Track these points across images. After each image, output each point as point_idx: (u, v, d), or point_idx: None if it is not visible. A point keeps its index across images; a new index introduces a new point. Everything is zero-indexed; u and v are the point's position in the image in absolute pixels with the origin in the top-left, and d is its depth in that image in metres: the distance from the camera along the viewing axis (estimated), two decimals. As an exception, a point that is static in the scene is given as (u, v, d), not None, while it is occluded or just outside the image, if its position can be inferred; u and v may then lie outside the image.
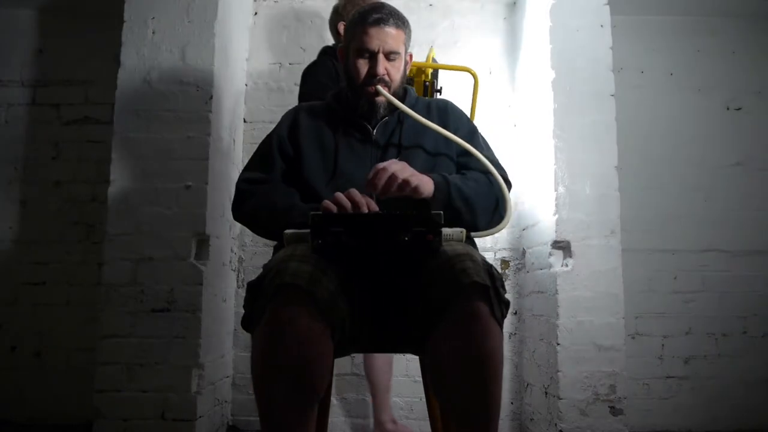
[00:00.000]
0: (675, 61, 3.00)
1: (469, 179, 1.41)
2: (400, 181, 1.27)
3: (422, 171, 1.44)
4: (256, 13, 3.01)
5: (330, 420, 1.45)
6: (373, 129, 1.50)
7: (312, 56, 2.96)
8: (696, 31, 3.01)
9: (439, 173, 1.39)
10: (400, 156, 1.47)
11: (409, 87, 1.61)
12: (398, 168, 1.28)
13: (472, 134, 1.55)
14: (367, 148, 1.49)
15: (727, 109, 2.95)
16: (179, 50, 2.38)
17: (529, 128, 2.70)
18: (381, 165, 1.28)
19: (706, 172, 2.91)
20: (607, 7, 2.43)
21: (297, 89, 2.93)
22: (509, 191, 1.43)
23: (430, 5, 2.99)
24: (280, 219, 1.38)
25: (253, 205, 1.44)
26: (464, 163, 1.50)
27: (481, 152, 1.42)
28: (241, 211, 1.47)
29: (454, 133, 1.43)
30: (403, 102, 1.49)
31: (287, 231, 1.28)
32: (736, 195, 2.89)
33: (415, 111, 1.45)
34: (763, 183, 2.90)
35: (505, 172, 1.48)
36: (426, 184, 1.33)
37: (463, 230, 1.28)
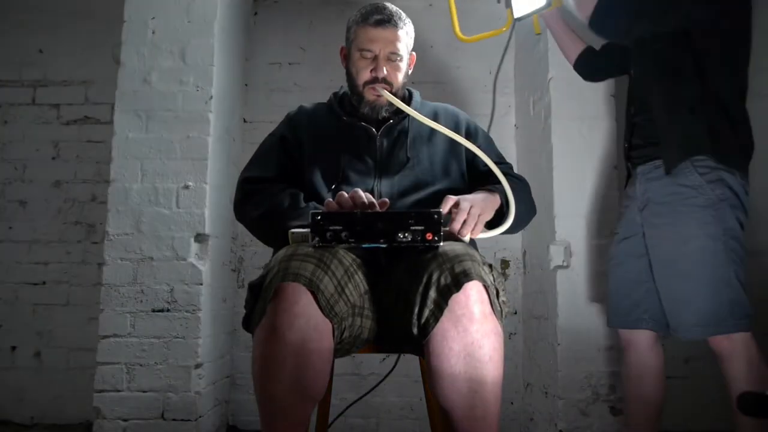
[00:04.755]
0: (675, 61, 2.99)
1: (517, 190, 1.44)
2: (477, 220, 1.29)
3: (430, 178, 1.45)
4: (256, 13, 3.01)
5: (330, 420, 1.45)
6: (377, 131, 1.50)
7: (312, 56, 2.98)
8: (696, 31, 3.00)
9: (496, 188, 1.41)
10: (409, 162, 1.47)
11: (414, 90, 1.60)
12: (478, 210, 1.30)
13: (485, 141, 1.57)
14: (372, 151, 1.48)
15: (727, 109, 2.94)
16: (179, 50, 2.38)
17: (530, 128, 2.70)
18: (462, 205, 1.28)
19: (706, 172, 2.90)
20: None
21: (297, 89, 2.94)
22: (528, 190, 1.54)
23: (430, 5, 2.99)
24: (285, 228, 1.37)
25: (257, 211, 1.43)
26: (477, 168, 1.52)
27: (493, 159, 1.42)
28: (245, 214, 1.47)
29: (467, 139, 1.44)
30: (408, 105, 1.49)
31: (292, 230, 1.28)
32: (736, 195, 2.88)
33: (421, 115, 1.45)
34: (763, 183, 2.89)
35: (522, 177, 1.56)
36: (493, 210, 1.37)
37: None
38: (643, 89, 1.78)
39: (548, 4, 1.81)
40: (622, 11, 1.68)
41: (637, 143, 1.81)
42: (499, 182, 1.38)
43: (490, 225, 1.37)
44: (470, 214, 1.27)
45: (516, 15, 1.86)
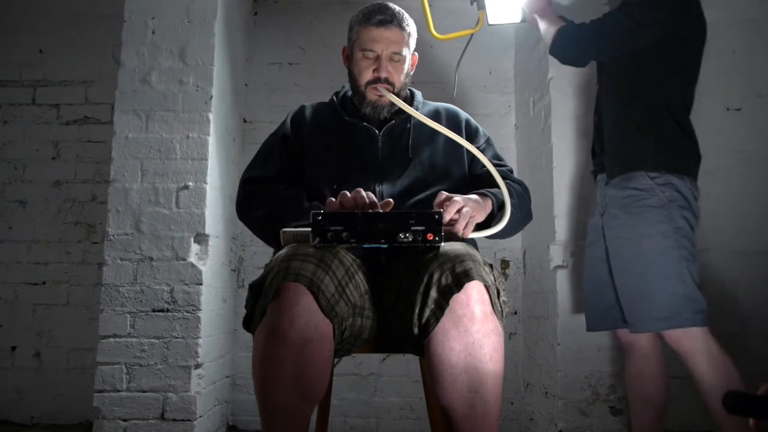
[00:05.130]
0: (675, 61, 2.99)
1: (513, 196, 1.44)
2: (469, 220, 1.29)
3: (431, 178, 1.45)
4: (256, 13, 3.01)
5: (330, 420, 1.45)
6: (379, 132, 1.50)
7: (312, 56, 2.98)
8: (696, 32, 3.00)
9: (491, 193, 1.40)
10: (411, 163, 1.47)
11: (416, 90, 1.60)
12: (470, 209, 1.29)
13: (485, 142, 1.57)
14: (373, 151, 1.48)
15: (727, 110, 2.94)
16: (179, 50, 2.38)
17: (530, 128, 2.70)
18: (457, 204, 1.27)
19: (705, 173, 2.89)
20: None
21: (297, 89, 2.95)
22: (527, 196, 1.53)
23: (431, 5, 2.99)
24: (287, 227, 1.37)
25: (259, 211, 1.43)
26: (476, 169, 1.52)
27: (493, 161, 1.42)
28: (247, 214, 1.47)
29: (467, 140, 1.45)
30: (410, 105, 1.49)
31: (284, 229, 1.28)
32: (735, 195, 2.89)
33: (423, 115, 1.45)
34: (763, 184, 2.90)
35: (522, 182, 1.55)
36: (485, 213, 1.36)
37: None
38: (602, 103, 1.93)
39: (523, 20, 1.97)
40: (577, 43, 1.86)
41: (598, 151, 1.93)
42: (496, 186, 1.38)
43: (485, 228, 1.37)
44: (462, 212, 1.27)
45: (490, 21, 1.95)
